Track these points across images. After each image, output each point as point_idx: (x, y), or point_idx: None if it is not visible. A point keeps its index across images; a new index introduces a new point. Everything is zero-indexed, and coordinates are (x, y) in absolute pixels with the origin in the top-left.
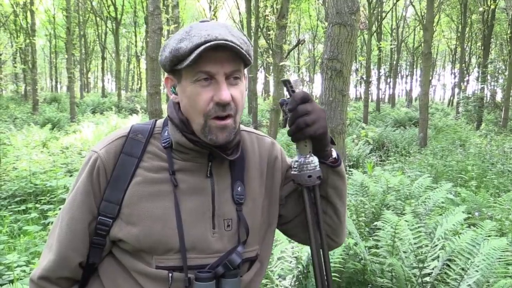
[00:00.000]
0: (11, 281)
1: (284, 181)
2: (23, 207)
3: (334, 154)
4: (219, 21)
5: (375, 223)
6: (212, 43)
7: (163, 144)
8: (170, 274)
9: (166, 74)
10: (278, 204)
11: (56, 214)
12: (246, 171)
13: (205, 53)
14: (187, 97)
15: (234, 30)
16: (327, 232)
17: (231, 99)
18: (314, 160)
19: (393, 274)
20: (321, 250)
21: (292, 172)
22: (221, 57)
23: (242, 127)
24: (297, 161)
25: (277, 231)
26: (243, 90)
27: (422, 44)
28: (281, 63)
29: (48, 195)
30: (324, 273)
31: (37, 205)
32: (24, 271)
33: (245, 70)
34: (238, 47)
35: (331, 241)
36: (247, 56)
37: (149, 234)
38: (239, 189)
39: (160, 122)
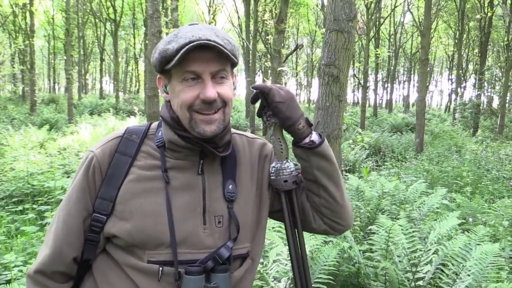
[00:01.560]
0: (8, 281)
1: None
2: (20, 207)
3: (314, 137)
4: (205, 24)
5: (370, 227)
6: (195, 43)
7: (157, 144)
8: (160, 268)
9: (158, 74)
10: (267, 202)
11: (53, 214)
12: (238, 170)
13: (191, 54)
14: (176, 95)
15: (219, 32)
16: (329, 216)
17: (218, 96)
18: (290, 166)
19: (387, 277)
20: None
21: (271, 177)
22: (207, 57)
23: (234, 130)
24: (274, 166)
25: (273, 234)
26: (231, 86)
27: (420, 50)
28: (279, 68)
29: (45, 196)
30: (303, 271)
31: (34, 206)
32: (21, 271)
33: (234, 70)
34: (221, 47)
35: (336, 224)
36: (231, 55)
37: (141, 229)
38: (230, 187)
39: (154, 124)
